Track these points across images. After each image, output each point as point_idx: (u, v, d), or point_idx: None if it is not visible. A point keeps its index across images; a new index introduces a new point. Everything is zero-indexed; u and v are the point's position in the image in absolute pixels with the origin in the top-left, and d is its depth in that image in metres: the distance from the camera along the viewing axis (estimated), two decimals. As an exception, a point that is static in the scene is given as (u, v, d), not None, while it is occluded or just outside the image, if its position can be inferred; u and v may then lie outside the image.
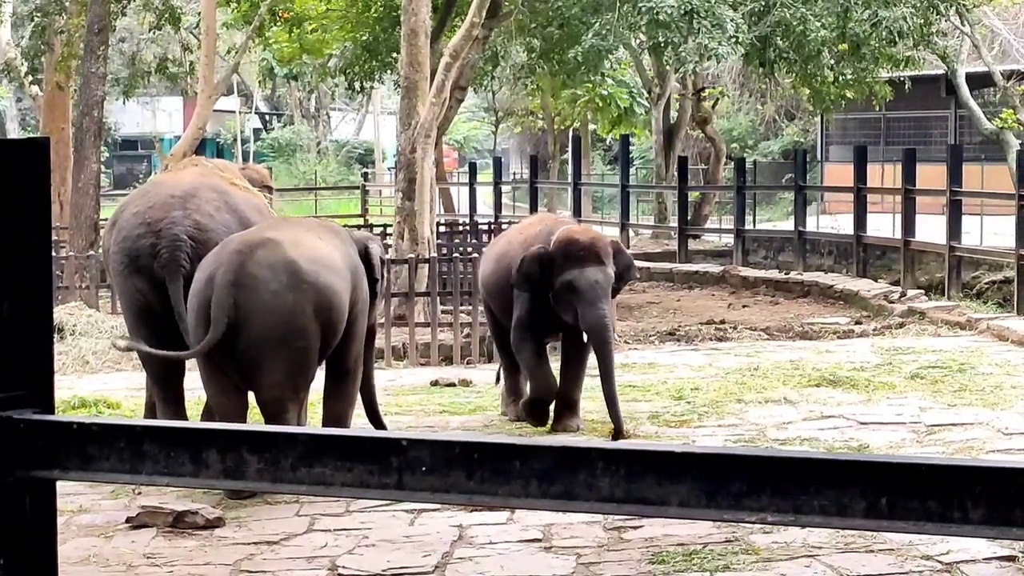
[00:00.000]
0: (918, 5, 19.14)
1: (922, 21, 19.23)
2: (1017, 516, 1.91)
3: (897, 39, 19.26)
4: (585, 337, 9.39)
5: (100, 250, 9.71)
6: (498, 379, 10.67)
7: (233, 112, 51.83)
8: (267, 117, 60.27)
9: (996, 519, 1.92)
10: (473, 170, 32.07)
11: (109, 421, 2.26)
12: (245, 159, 52.21)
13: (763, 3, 19.12)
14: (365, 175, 43.66)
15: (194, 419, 8.96)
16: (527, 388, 10.10)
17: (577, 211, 28.68)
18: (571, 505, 2.03)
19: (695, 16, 17.43)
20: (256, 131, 56.86)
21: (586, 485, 2.02)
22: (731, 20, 17.74)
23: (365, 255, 8.62)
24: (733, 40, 17.84)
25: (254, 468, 2.18)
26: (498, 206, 30.69)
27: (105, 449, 2.26)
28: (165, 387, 8.69)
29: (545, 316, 9.53)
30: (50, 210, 2.36)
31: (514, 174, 45.71)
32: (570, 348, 9.75)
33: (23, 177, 2.32)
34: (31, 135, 42.83)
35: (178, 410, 8.70)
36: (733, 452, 1.97)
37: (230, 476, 2.20)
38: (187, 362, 8.82)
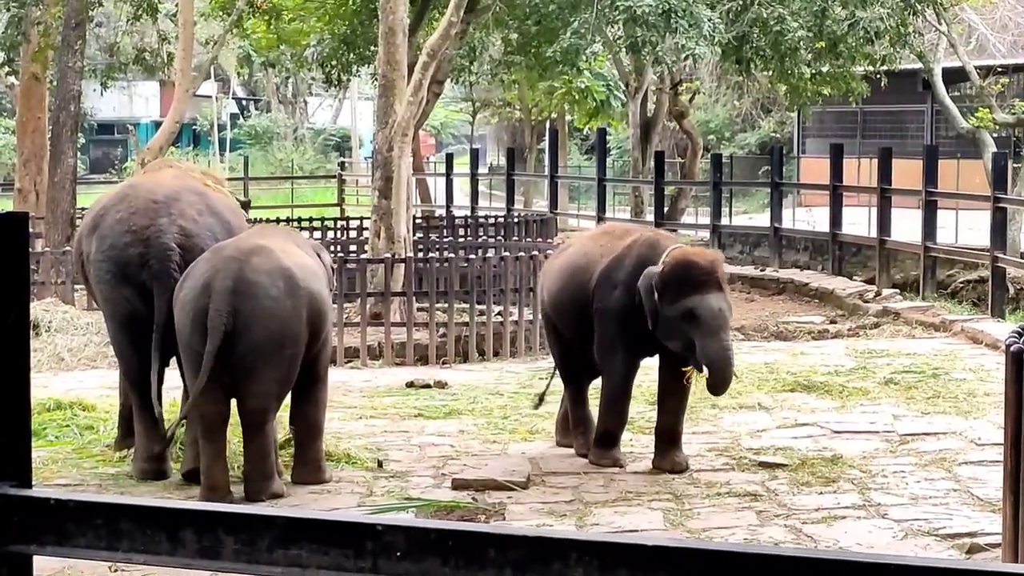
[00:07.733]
0: (895, 6, 19.17)
1: (899, 21, 19.26)
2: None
3: (874, 39, 19.29)
4: (705, 371, 8.51)
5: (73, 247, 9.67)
6: (538, 404, 9.88)
7: (210, 97, 51.69)
8: (244, 103, 60.09)
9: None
10: (450, 161, 32.08)
11: (86, 498, 2.27)
12: (222, 147, 52.19)
13: (740, 2, 19.12)
14: (342, 164, 43.60)
15: (169, 422, 8.93)
16: (589, 417, 9.35)
17: (554, 203, 28.72)
18: (545, 594, 2.05)
19: (672, 15, 17.42)
20: (233, 116, 56.68)
21: (560, 575, 2.04)
22: (708, 20, 17.74)
23: (320, 262, 8.67)
24: (710, 40, 17.85)
25: (230, 548, 2.20)
26: (475, 197, 30.72)
27: (82, 526, 2.27)
28: (143, 394, 8.67)
29: (642, 338, 8.78)
30: (29, 287, 2.37)
31: (491, 164, 45.66)
32: (670, 376, 8.90)
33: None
34: (7, 121, 42.70)
35: (154, 418, 8.68)
36: (705, 547, 2.00)
37: (206, 556, 2.22)
38: (166, 369, 8.82)
